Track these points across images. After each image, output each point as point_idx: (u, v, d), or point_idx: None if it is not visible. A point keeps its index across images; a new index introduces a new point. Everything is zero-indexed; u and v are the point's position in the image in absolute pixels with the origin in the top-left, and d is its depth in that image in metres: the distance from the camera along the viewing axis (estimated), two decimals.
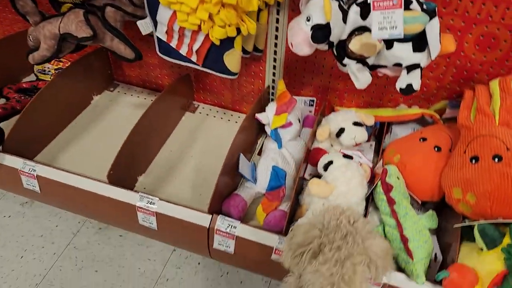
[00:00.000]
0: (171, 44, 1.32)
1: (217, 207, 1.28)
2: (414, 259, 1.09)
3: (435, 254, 1.18)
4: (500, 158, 1.04)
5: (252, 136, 1.55)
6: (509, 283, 0.92)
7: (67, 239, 1.61)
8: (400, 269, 1.14)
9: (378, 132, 1.49)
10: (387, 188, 1.14)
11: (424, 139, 1.26)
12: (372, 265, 0.83)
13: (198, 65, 1.34)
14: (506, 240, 1.00)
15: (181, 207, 1.22)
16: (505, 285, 0.93)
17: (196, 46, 1.27)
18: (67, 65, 1.80)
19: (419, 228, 1.14)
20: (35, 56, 1.32)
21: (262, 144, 1.58)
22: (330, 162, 1.18)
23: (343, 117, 1.35)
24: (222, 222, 1.20)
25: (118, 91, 1.84)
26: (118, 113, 1.74)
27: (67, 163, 1.51)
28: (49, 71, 1.81)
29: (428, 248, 1.13)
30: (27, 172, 1.32)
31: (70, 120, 1.68)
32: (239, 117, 1.76)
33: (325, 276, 0.80)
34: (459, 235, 1.11)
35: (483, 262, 1.02)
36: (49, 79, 1.76)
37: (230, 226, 1.19)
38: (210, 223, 1.20)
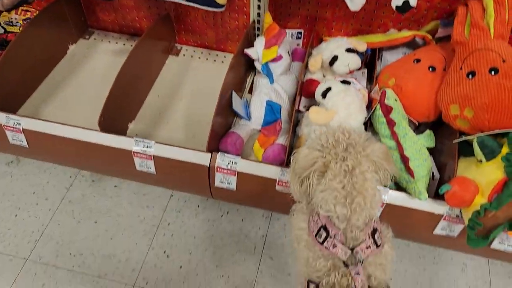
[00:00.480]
0: None
1: (214, 147, 1.27)
2: (416, 177, 1.11)
3: (432, 173, 1.20)
4: (496, 71, 1.05)
5: (242, 74, 1.52)
6: (509, 188, 0.96)
7: (60, 194, 1.58)
8: (401, 189, 1.17)
9: (369, 60, 1.48)
10: (387, 110, 1.15)
11: (418, 60, 1.25)
12: (379, 169, 0.84)
13: None
14: (504, 150, 1.02)
15: (179, 148, 1.20)
16: (505, 191, 0.97)
17: None
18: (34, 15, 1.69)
19: (418, 147, 1.16)
20: (4, 1, 1.23)
21: (252, 82, 1.55)
22: (329, 89, 1.17)
23: (335, 45, 1.33)
24: (222, 159, 1.19)
25: (95, 39, 1.75)
26: (97, 61, 1.66)
27: (51, 116, 1.45)
28: (17, 22, 1.69)
29: (428, 166, 1.16)
30: (11, 127, 1.26)
31: (48, 71, 1.60)
32: (225, 56, 1.71)
33: (338, 189, 0.80)
34: (456, 152, 1.13)
35: (483, 173, 1.05)
36: (18, 31, 1.65)
37: (231, 163, 1.18)
38: (210, 161, 1.19)
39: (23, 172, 1.63)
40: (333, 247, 0.84)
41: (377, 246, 0.86)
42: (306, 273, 0.90)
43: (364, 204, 0.81)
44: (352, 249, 0.84)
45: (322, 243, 0.85)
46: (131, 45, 1.72)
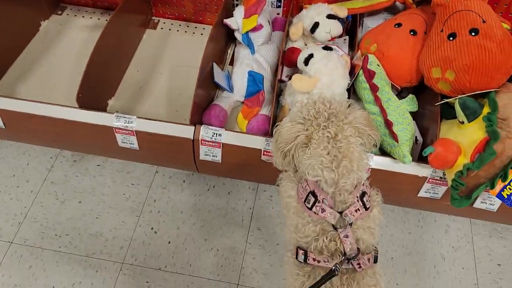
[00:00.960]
0: None
1: (197, 120, 1.25)
2: (399, 141, 1.12)
3: (416, 137, 1.22)
4: (476, 32, 1.05)
5: (222, 45, 1.49)
6: (491, 147, 0.97)
7: (42, 175, 1.55)
8: (385, 154, 1.18)
9: (350, 26, 1.46)
10: (370, 75, 1.14)
11: (399, 25, 1.24)
12: (363, 134, 0.84)
13: None
14: (485, 110, 1.04)
15: (162, 122, 1.18)
16: (487, 150, 0.98)
17: None
18: None
19: (402, 111, 1.17)
20: None
21: (233, 53, 1.52)
22: (311, 56, 1.15)
23: (316, 11, 1.31)
24: (206, 132, 1.17)
25: (67, 14, 1.68)
26: (72, 37, 1.61)
27: (27, 95, 1.40)
28: None
29: (411, 130, 1.17)
30: None
31: (20, 50, 1.54)
32: (204, 28, 1.67)
33: (323, 155, 0.81)
34: (439, 115, 1.14)
35: (465, 134, 1.06)
36: None
37: (215, 135, 1.17)
38: (194, 134, 1.17)
39: (1, 156, 1.59)
40: (321, 212, 0.84)
41: (366, 209, 0.87)
42: (296, 239, 0.90)
43: (351, 167, 0.81)
44: (341, 213, 0.84)
45: (311, 208, 0.86)
46: (106, 20, 1.65)
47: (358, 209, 0.85)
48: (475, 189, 1.04)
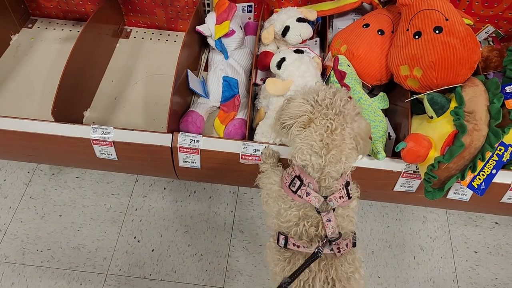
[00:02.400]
0: None
1: (174, 127, 1.26)
2: (372, 138, 1.15)
3: (389, 134, 1.25)
4: (440, 29, 1.09)
5: (196, 52, 1.50)
6: (459, 140, 1.01)
7: (20, 190, 1.53)
8: None
9: (320, 28, 1.49)
10: (341, 76, 1.17)
11: (367, 25, 1.28)
12: (358, 142, 0.88)
13: None
14: (452, 104, 1.08)
15: (139, 132, 1.19)
16: (456, 143, 1.02)
17: None
18: None
19: (373, 109, 1.20)
20: None
21: (207, 59, 1.53)
22: (283, 59, 1.17)
23: (286, 15, 1.33)
24: (183, 139, 1.18)
25: (38, 27, 1.67)
26: (43, 50, 1.59)
27: (0, 110, 1.38)
28: None
29: (384, 127, 1.20)
30: None
31: None
32: (177, 36, 1.68)
33: (316, 141, 0.84)
34: (409, 111, 1.18)
35: (434, 128, 1.10)
36: None
37: (193, 141, 1.18)
38: (171, 141, 1.18)
39: None
40: (306, 195, 0.88)
41: (349, 197, 0.91)
42: (277, 225, 0.93)
43: (339, 157, 0.85)
44: (325, 198, 0.87)
45: (296, 192, 0.89)
46: (78, 31, 1.65)
47: (342, 196, 0.89)
48: (447, 181, 1.07)
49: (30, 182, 1.55)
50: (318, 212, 0.88)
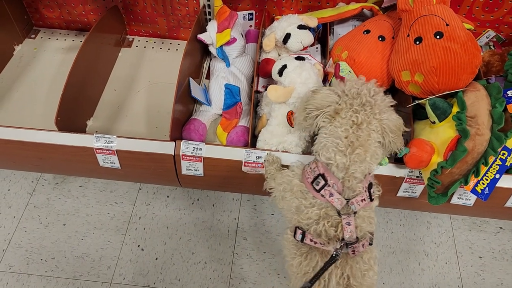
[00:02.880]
0: None
1: (177, 135, 1.26)
2: None
3: None
4: (441, 35, 1.09)
5: (198, 60, 1.51)
6: (462, 145, 1.01)
7: (24, 200, 1.53)
8: None
9: (321, 34, 1.50)
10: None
11: (368, 31, 1.28)
12: (386, 135, 0.87)
13: None
14: (454, 109, 1.08)
15: (141, 140, 1.19)
16: (459, 148, 1.02)
17: None
18: None
19: None
20: None
21: (209, 67, 1.54)
22: (284, 66, 1.18)
23: (287, 23, 1.34)
24: (186, 147, 1.19)
25: (41, 37, 1.68)
26: (46, 60, 1.60)
27: (4, 121, 1.40)
28: None
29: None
30: None
31: None
32: (178, 44, 1.69)
33: (341, 138, 0.84)
34: (411, 116, 1.18)
35: (437, 133, 1.10)
36: None
37: (196, 149, 1.19)
38: (174, 150, 1.19)
39: None
40: (329, 196, 0.87)
41: (371, 200, 0.91)
42: (297, 220, 0.93)
43: (364, 156, 0.84)
44: (347, 200, 0.87)
45: (319, 191, 0.88)
46: (80, 41, 1.67)
47: (364, 199, 0.89)
48: (450, 186, 1.07)
49: (34, 191, 1.56)
50: (339, 214, 0.88)
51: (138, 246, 1.45)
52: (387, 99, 0.90)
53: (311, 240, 0.89)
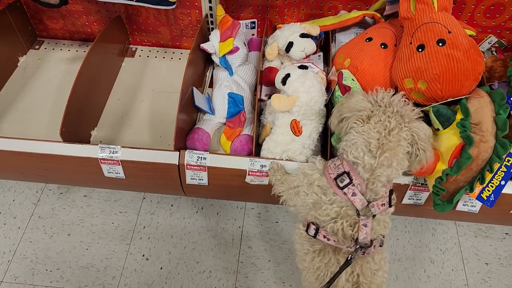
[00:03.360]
0: None
1: (181, 144, 1.27)
2: None
3: None
4: (443, 42, 1.10)
5: (201, 69, 1.51)
6: (466, 152, 1.01)
7: (29, 210, 1.54)
8: None
9: (323, 42, 1.51)
10: (345, 90, 1.18)
11: (370, 39, 1.29)
12: (415, 144, 0.89)
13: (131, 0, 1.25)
14: (458, 116, 1.08)
15: (145, 150, 1.20)
16: (463, 155, 1.02)
17: None
18: None
19: None
20: None
21: (212, 76, 1.55)
22: (288, 75, 1.18)
23: (289, 31, 1.34)
24: (190, 156, 1.19)
25: (45, 48, 1.70)
26: (51, 70, 1.61)
27: (8, 132, 1.40)
28: None
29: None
30: None
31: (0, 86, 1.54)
32: (181, 53, 1.70)
33: (373, 138, 0.85)
34: None
35: (441, 141, 1.10)
36: None
37: (200, 158, 1.19)
38: (178, 159, 1.19)
39: None
40: (352, 195, 0.88)
41: (390, 206, 0.92)
42: (313, 216, 0.93)
43: (391, 161, 0.85)
44: (368, 202, 0.88)
45: (342, 188, 0.89)
46: (84, 51, 1.68)
47: (384, 204, 0.90)
48: (455, 193, 1.07)
49: (39, 201, 1.56)
50: (358, 214, 0.89)
51: (143, 255, 1.45)
52: (416, 109, 0.92)
53: (324, 237, 0.90)
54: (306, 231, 0.94)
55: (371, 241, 0.89)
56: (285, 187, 1.04)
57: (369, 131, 0.86)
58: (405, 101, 0.91)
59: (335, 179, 0.90)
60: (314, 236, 0.92)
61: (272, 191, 1.10)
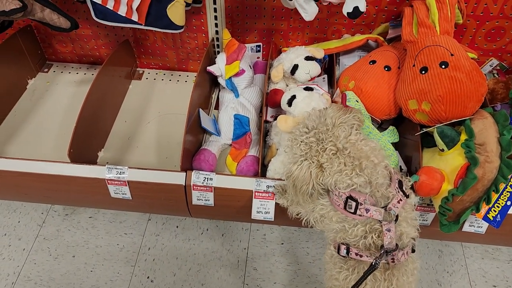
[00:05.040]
0: (107, 7, 1.25)
1: (187, 165, 1.28)
2: None
3: (400, 167, 1.26)
4: (446, 64, 1.12)
5: (207, 91, 1.54)
6: (472, 172, 1.01)
7: (34, 232, 1.54)
8: None
9: (328, 65, 1.53)
10: None
11: (374, 62, 1.31)
12: (348, 121, 0.93)
13: (140, 24, 1.28)
14: (463, 137, 1.09)
15: (152, 171, 1.21)
16: (469, 175, 1.02)
17: (135, 4, 1.21)
18: None
19: (383, 144, 1.22)
20: None
21: (217, 98, 1.57)
22: (293, 97, 1.20)
23: (294, 54, 1.37)
24: (197, 177, 1.20)
25: (54, 71, 1.73)
26: (59, 93, 1.64)
27: (17, 153, 1.42)
28: None
29: (394, 160, 1.21)
30: None
31: (8, 109, 1.56)
32: (187, 76, 1.73)
33: (342, 169, 0.88)
34: (420, 144, 1.19)
35: (446, 161, 1.11)
36: None
37: (206, 179, 1.20)
38: (185, 180, 1.20)
39: None
40: (366, 212, 0.89)
41: (407, 196, 0.93)
42: (342, 238, 0.94)
43: (372, 162, 0.87)
44: (385, 207, 0.89)
45: (355, 212, 0.89)
46: (92, 74, 1.71)
47: (400, 200, 0.91)
48: (462, 213, 1.07)
49: (44, 223, 1.56)
50: (380, 222, 0.89)
51: (148, 277, 1.44)
52: (319, 115, 0.95)
53: (356, 254, 0.91)
54: (338, 252, 0.94)
55: (396, 245, 0.89)
56: (302, 208, 1.04)
57: (333, 169, 0.87)
58: (304, 129, 0.93)
59: (344, 207, 0.91)
60: (346, 255, 0.92)
61: (289, 213, 1.10)
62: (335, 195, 0.92)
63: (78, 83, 1.68)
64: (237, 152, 1.36)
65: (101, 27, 1.59)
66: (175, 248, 1.51)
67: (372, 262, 0.88)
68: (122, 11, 1.26)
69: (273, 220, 1.23)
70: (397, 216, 0.90)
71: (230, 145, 1.41)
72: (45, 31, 1.65)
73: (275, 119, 1.25)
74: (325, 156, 0.88)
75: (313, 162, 0.89)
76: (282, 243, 1.52)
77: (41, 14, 1.20)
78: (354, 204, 0.89)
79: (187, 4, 1.33)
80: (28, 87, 1.66)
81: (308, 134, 0.91)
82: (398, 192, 0.92)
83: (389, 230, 0.89)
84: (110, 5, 1.25)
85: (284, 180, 1.18)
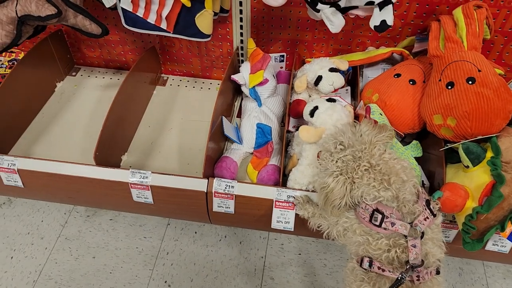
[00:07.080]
0: (137, 14, 1.28)
1: (209, 172, 1.29)
2: None
3: (422, 181, 1.25)
4: (473, 80, 1.11)
5: (230, 99, 1.55)
6: (497, 190, 1.00)
7: (56, 231, 1.57)
8: None
9: (351, 77, 1.53)
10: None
11: (398, 75, 1.31)
12: (382, 139, 0.95)
13: (169, 32, 1.31)
14: (488, 154, 1.07)
15: (175, 177, 1.22)
16: (494, 193, 1.01)
17: (165, 12, 1.24)
18: (20, 55, 1.72)
19: (407, 157, 1.21)
20: None
21: (240, 106, 1.59)
22: (316, 108, 1.21)
23: (319, 65, 1.38)
24: (219, 184, 1.21)
25: (81, 75, 1.77)
26: (85, 97, 1.68)
27: (43, 154, 1.45)
28: (3, 64, 1.70)
29: (417, 175, 1.20)
30: (6, 168, 1.26)
31: (37, 111, 1.61)
32: (211, 83, 1.75)
33: (371, 184, 0.90)
34: (443, 160, 1.18)
35: (471, 178, 1.09)
36: (4, 72, 1.66)
37: (228, 187, 1.21)
38: (207, 187, 1.21)
39: (16, 213, 1.62)
40: (392, 225, 0.89)
41: (434, 215, 0.92)
42: (365, 251, 0.94)
43: (401, 178, 0.88)
44: (411, 223, 0.89)
45: (380, 225, 0.90)
46: (118, 79, 1.75)
47: (427, 217, 0.91)
48: (486, 232, 1.05)
49: (66, 223, 1.59)
50: (405, 237, 0.89)
51: (165, 282, 1.45)
52: (354, 131, 0.96)
53: (379, 268, 0.90)
54: (361, 265, 0.94)
55: (422, 261, 0.89)
56: (323, 220, 1.05)
57: (363, 182, 0.89)
58: (340, 147, 0.94)
59: (370, 220, 0.91)
60: (369, 268, 0.92)
61: (310, 225, 1.11)
62: (362, 208, 0.92)
63: (104, 87, 1.72)
64: (258, 161, 1.37)
65: (128, 33, 1.62)
66: (193, 254, 1.52)
67: (398, 277, 0.87)
68: (152, 19, 1.29)
69: (292, 230, 1.23)
70: (423, 233, 0.90)
71: (252, 153, 1.42)
72: (74, 36, 1.69)
73: (297, 129, 1.25)
74: (359, 173, 0.89)
75: (348, 177, 0.90)
76: (300, 254, 1.52)
77: (74, 20, 1.23)
78: (380, 217, 0.89)
79: (215, 14, 1.35)
80: (56, 89, 1.70)
81: (345, 151, 0.93)
82: (425, 210, 0.91)
83: (414, 246, 0.88)
84: (140, 13, 1.28)
85: (304, 190, 1.19)
